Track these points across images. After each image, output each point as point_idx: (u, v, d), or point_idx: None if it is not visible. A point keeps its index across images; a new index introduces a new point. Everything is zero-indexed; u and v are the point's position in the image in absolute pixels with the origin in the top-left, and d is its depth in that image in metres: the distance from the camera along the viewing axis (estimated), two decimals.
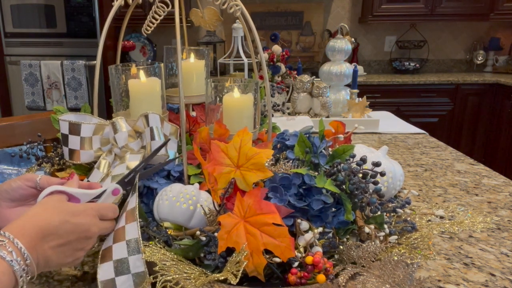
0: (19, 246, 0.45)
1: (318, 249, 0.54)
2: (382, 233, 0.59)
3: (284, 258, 0.51)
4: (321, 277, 0.51)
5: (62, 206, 0.52)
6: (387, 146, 0.74)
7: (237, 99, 0.72)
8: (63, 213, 0.51)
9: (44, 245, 0.48)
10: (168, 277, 0.50)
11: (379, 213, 0.60)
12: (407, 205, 0.66)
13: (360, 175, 0.58)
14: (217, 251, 0.53)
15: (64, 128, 0.66)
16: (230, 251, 0.53)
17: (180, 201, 0.59)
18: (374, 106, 1.93)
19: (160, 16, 0.80)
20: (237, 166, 0.60)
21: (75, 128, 0.66)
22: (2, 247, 0.45)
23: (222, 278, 0.49)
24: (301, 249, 0.55)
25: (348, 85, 1.82)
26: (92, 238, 0.54)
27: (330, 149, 0.73)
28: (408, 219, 0.65)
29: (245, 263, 0.49)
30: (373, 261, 0.53)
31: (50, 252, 0.49)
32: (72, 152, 0.67)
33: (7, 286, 0.44)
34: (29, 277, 0.47)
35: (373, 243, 0.55)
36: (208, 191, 0.63)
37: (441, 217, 0.69)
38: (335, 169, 0.59)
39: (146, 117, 0.66)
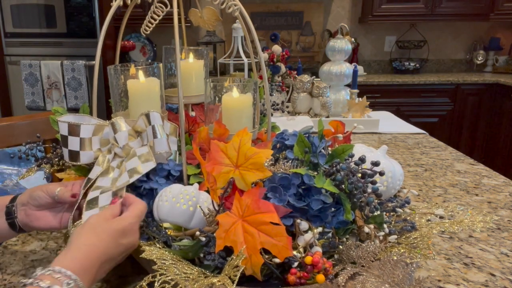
0: (81, 286, 0.47)
1: (318, 249, 0.54)
2: (382, 233, 0.59)
3: (281, 257, 0.51)
4: (320, 277, 0.51)
5: (111, 227, 0.54)
6: (386, 146, 0.74)
7: (236, 99, 0.72)
8: (115, 237, 0.53)
9: (100, 272, 0.52)
10: (167, 278, 0.50)
11: (378, 212, 0.60)
12: (406, 205, 0.66)
13: (359, 174, 0.58)
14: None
15: (64, 130, 0.66)
16: (229, 250, 0.53)
17: (180, 202, 0.59)
18: (374, 106, 1.92)
19: (159, 16, 0.80)
20: (236, 165, 0.60)
21: (74, 129, 0.66)
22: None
23: (219, 283, 0.49)
24: (301, 249, 0.55)
25: (348, 85, 1.82)
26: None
27: (329, 148, 0.73)
28: (408, 218, 0.65)
29: (243, 267, 0.49)
30: (372, 261, 0.53)
31: (101, 274, 0.53)
32: (72, 153, 0.67)
33: None
34: None
35: (372, 242, 0.55)
36: (207, 191, 0.63)
37: (441, 217, 0.69)
38: (334, 169, 0.59)
39: (147, 115, 0.66)
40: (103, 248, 0.52)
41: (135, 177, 0.63)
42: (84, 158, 0.67)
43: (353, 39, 3.14)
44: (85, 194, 0.64)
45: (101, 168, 0.66)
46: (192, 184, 0.64)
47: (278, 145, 0.72)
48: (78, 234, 0.52)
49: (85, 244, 0.51)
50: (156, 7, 0.78)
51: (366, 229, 0.58)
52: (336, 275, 0.52)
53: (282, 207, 0.55)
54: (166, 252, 0.55)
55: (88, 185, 0.65)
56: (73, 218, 0.65)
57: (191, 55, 0.83)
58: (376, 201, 0.59)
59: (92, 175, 0.66)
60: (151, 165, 0.64)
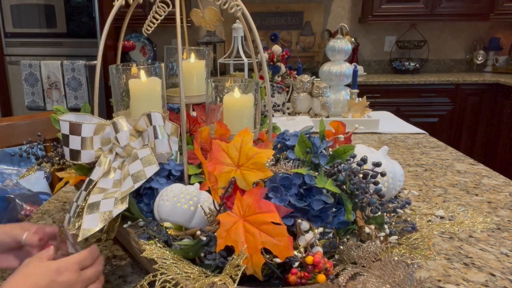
0: None
1: (319, 249, 0.54)
2: (383, 233, 0.59)
3: (282, 257, 0.51)
4: (321, 277, 0.51)
5: (44, 265, 0.54)
6: (387, 146, 0.74)
7: (237, 99, 0.72)
8: (48, 274, 0.53)
9: None
10: (168, 277, 0.50)
11: (379, 213, 0.60)
12: (407, 206, 0.66)
13: (361, 175, 0.58)
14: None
15: (65, 128, 0.66)
16: (230, 250, 0.53)
17: (181, 202, 0.59)
18: (374, 106, 1.93)
19: (160, 16, 0.80)
20: (238, 165, 0.60)
21: (75, 128, 0.66)
22: None
23: (220, 282, 0.49)
24: (302, 249, 0.55)
25: (348, 85, 1.82)
26: None
27: (330, 149, 0.73)
28: (408, 219, 0.65)
29: (244, 267, 0.49)
30: (373, 261, 0.53)
31: None
32: (73, 152, 0.67)
33: None
34: None
35: (373, 243, 0.55)
36: (208, 191, 0.63)
37: (441, 217, 0.69)
38: (336, 169, 0.59)
39: (148, 116, 0.66)
40: (33, 281, 0.51)
41: (140, 182, 0.63)
42: (85, 157, 0.68)
43: (353, 39, 3.14)
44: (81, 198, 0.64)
45: (103, 170, 0.66)
46: (193, 184, 0.64)
47: (279, 146, 0.72)
48: (11, 276, 0.53)
49: (16, 277, 0.52)
50: (158, 7, 0.78)
51: (367, 230, 0.58)
52: (337, 275, 0.52)
53: (283, 207, 0.55)
54: (167, 252, 0.55)
55: (90, 187, 0.65)
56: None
57: (192, 55, 0.83)
58: (377, 201, 0.59)
59: (94, 176, 0.66)
60: (155, 168, 0.64)
